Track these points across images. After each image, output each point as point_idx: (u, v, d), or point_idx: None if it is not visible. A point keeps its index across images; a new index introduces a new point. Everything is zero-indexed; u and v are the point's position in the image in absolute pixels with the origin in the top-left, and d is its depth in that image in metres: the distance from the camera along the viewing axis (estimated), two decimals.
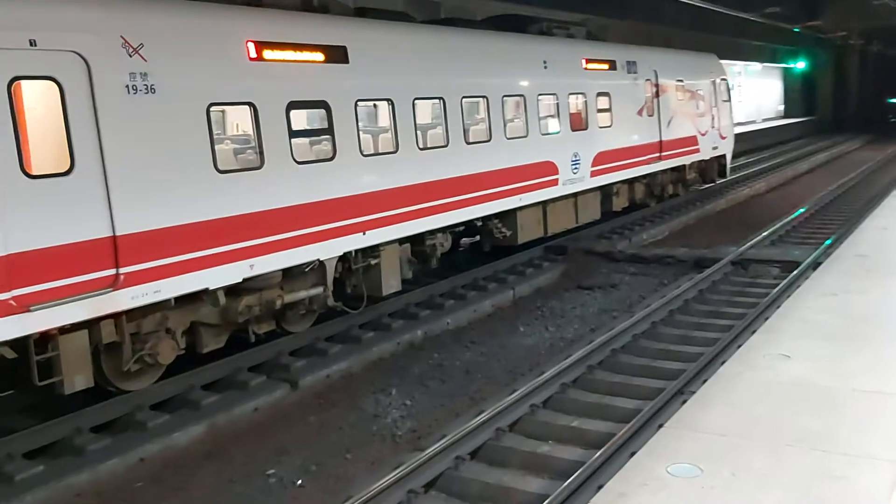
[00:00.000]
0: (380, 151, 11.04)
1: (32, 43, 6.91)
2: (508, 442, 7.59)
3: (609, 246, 16.21)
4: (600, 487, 5.37)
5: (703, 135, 21.05)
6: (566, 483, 6.25)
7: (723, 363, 6.94)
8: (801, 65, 51.70)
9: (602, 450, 6.77)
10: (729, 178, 23.91)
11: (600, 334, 10.40)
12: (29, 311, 6.86)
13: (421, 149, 11.54)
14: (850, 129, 50.10)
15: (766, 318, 8.21)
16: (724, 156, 22.83)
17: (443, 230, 12.26)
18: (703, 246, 15.80)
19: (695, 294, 12.31)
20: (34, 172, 6.99)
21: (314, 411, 8.84)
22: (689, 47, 22.83)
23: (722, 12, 28.78)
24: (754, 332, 7.72)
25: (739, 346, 7.35)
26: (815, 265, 11.71)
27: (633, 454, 5.60)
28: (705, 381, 6.61)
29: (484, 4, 17.28)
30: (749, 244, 15.38)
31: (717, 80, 22.35)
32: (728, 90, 23.22)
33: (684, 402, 6.30)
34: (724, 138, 22.70)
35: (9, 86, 6.77)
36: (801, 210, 19.80)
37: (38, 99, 7.19)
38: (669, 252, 15.52)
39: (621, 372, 9.35)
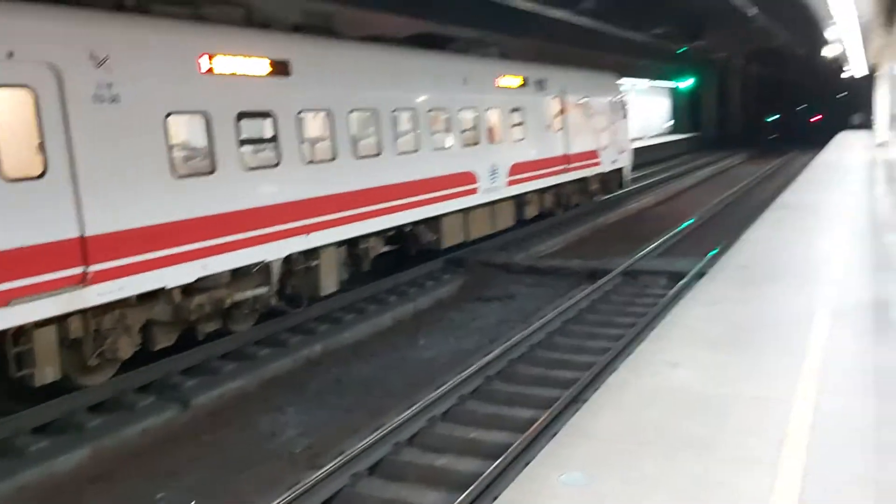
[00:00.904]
0: (320, 159, 11.60)
1: (10, 54, 7.45)
2: (407, 456, 7.58)
3: (507, 258, 16.49)
4: (495, 499, 5.41)
5: (603, 149, 22.48)
6: (462, 496, 6.28)
7: (613, 371, 7.11)
8: (687, 83, 54.02)
9: (498, 461, 6.84)
10: (619, 192, 24.89)
11: (498, 345, 10.53)
12: (9, 305, 7.33)
13: (357, 158, 12.26)
14: (732, 145, 52.71)
15: (655, 327, 8.48)
16: (622, 168, 24.35)
17: (376, 234, 13.01)
18: (596, 257, 16.24)
19: (588, 304, 12.64)
20: (10, 176, 7.42)
21: (206, 431, 8.59)
22: (582, 65, 23.55)
23: (612, 33, 29.79)
24: (643, 340, 7.95)
25: (630, 355, 7.55)
26: (700, 275, 12.20)
27: (528, 464, 5.66)
28: (597, 389, 6.75)
29: (379, 18, 17.30)
30: (639, 255, 15.91)
31: (616, 98, 23.91)
32: (625, 107, 24.53)
33: (577, 410, 6.42)
34: (622, 152, 24.15)
35: None
36: (688, 222, 20.66)
37: (14, 106, 7.64)
38: (564, 264, 15.90)
39: (518, 382, 9.49)
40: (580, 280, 14.66)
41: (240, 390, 9.63)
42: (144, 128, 8.79)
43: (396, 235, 13.88)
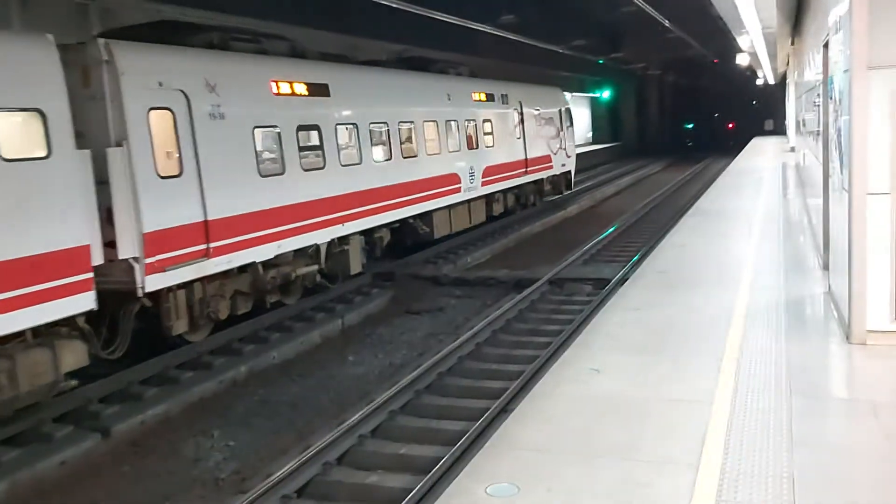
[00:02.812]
0: (350, 163, 14.18)
1: (160, 84, 9.99)
2: (336, 475, 7.48)
3: (435, 270, 16.55)
4: None
5: (554, 154, 25.34)
6: None
7: (540, 380, 7.18)
8: (606, 94, 55.14)
9: (428, 475, 6.82)
10: (567, 193, 27.13)
11: (427, 358, 10.54)
12: (165, 271, 9.75)
13: (374, 162, 14.95)
14: (652, 153, 54.01)
15: (579, 334, 8.60)
16: (569, 171, 27.19)
17: (386, 226, 15.52)
18: (522, 267, 16.43)
19: (516, 314, 12.76)
20: (162, 174, 9.89)
21: (129, 460, 8.32)
22: (504, 77, 24.01)
23: (533, 44, 30.26)
24: (568, 348, 8.06)
25: (555, 363, 7.64)
26: (623, 281, 12.46)
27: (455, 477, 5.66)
28: (524, 398, 6.81)
29: (303, 33, 17.20)
30: (564, 264, 16.15)
31: (563, 109, 26.73)
32: (571, 117, 27.06)
33: (505, 420, 6.46)
34: (569, 157, 27.03)
35: (147, 114, 9.71)
36: (611, 230, 21.09)
37: (161, 123, 10.05)
38: (492, 274, 16.05)
39: (448, 394, 9.50)
40: (507, 290, 14.80)
41: (163, 416, 9.35)
42: (240, 138, 11.40)
43: (399, 228, 16.27)
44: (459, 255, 18.17)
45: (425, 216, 17.08)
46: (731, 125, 72.84)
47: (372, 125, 14.92)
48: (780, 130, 52.43)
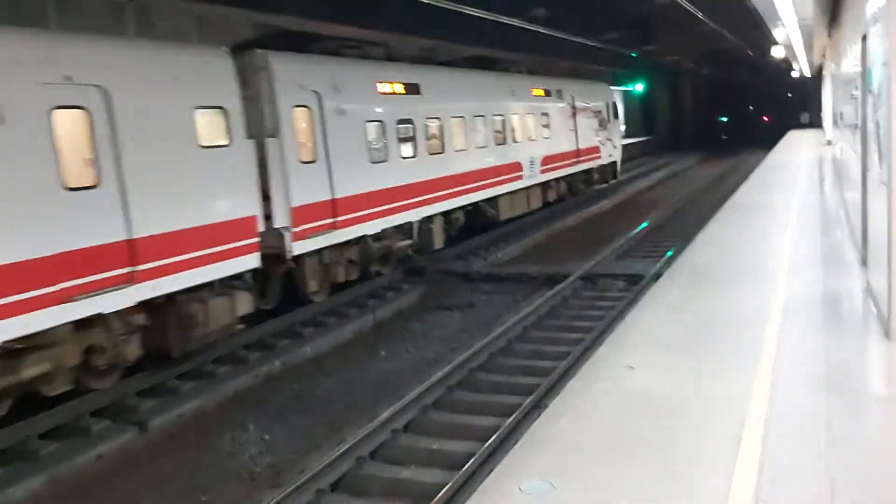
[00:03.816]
0: (435, 152, 16.34)
1: (301, 86, 12.23)
2: (370, 470, 7.54)
3: (466, 266, 16.53)
4: None
5: (602, 145, 27.22)
6: None
7: (573, 377, 7.14)
8: (639, 87, 54.55)
9: (461, 471, 6.83)
10: (613, 182, 28.68)
11: (459, 354, 10.53)
12: (306, 238, 11.97)
13: (454, 151, 17.03)
14: (685, 147, 53.36)
15: (613, 331, 8.54)
16: (616, 162, 29.18)
17: (461, 208, 17.51)
18: (554, 263, 16.35)
19: (547, 310, 12.71)
20: (302, 160, 12.14)
21: (165, 454, 8.44)
22: (536, 72, 24.01)
23: (565, 38, 30.03)
24: (602, 344, 8.00)
25: (588, 359, 7.59)
26: (657, 277, 12.35)
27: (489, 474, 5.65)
28: (556, 395, 6.78)
29: (329, 27, 17.24)
30: (597, 260, 16.04)
31: (610, 102, 28.71)
32: (617, 110, 28.72)
33: (537, 417, 6.43)
34: (615, 148, 28.97)
35: (291, 109, 11.94)
36: (644, 225, 20.90)
37: (302, 118, 12.33)
38: (523, 270, 16.01)
39: (480, 390, 9.51)
40: (539, 286, 14.74)
41: (199, 410, 9.48)
42: (356, 131, 13.57)
43: (472, 211, 18.15)
44: (490, 251, 18.14)
45: (492, 200, 18.97)
46: (766, 118, 71.77)
47: (453, 119, 16.97)
48: (816, 124, 51.51)
